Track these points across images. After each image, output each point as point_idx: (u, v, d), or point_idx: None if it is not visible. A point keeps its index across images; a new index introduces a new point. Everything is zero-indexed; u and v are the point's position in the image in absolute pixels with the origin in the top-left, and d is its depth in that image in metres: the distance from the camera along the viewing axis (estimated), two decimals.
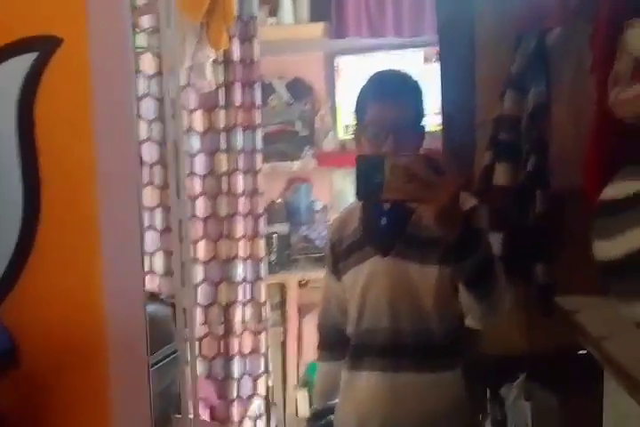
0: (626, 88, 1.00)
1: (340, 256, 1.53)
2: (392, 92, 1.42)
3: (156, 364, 1.43)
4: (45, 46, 0.92)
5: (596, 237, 0.99)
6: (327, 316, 1.62)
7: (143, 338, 1.01)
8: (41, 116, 0.95)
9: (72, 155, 0.93)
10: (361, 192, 1.04)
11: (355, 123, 1.51)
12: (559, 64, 1.72)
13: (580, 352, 1.70)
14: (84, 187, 0.92)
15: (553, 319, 1.69)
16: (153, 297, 1.61)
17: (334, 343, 1.59)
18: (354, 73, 3.25)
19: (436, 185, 1.01)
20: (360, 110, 1.46)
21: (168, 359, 1.48)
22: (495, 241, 1.74)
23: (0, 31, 0.95)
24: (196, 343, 2.99)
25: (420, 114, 1.45)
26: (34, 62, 0.94)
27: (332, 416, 1.57)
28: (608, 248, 0.95)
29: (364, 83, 1.49)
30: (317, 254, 3.21)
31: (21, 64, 0.94)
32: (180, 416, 1.40)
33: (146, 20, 2.81)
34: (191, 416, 1.32)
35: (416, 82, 1.48)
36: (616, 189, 0.97)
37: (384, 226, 1.46)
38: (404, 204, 1.37)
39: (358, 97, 1.48)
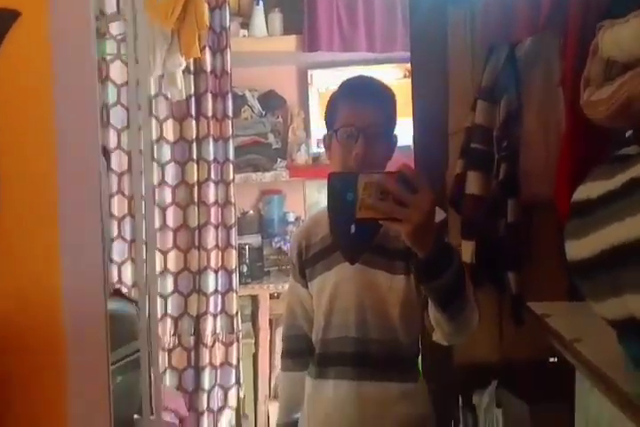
0: (597, 89, 1.03)
1: (307, 263, 1.52)
2: (364, 96, 1.41)
3: (119, 361, 1.39)
4: (3, 20, 0.87)
5: (569, 238, 0.99)
6: (292, 325, 1.60)
7: (103, 333, 0.97)
8: None
9: (31, 138, 0.88)
10: (333, 210, 1.03)
11: (326, 129, 1.49)
12: (529, 75, 1.76)
13: (551, 360, 1.73)
14: (43, 176, 0.87)
15: (525, 328, 1.71)
16: (118, 294, 1.58)
17: (299, 352, 1.57)
18: (327, 87, 3.28)
19: (409, 203, 1.00)
20: (331, 115, 1.45)
21: (131, 358, 1.45)
22: (467, 250, 1.76)
23: None
24: (166, 354, 2.96)
25: (391, 119, 1.45)
26: None
27: None
28: (580, 248, 0.96)
29: (336, 88, 1.49)
30: (290, 266, 3.20)
31: None
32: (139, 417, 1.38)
33: (115, 27, 2.81)
34: (152, 417, 1.28)
35: (388, 87, 1.47)
36: (587, 190, 0.98)
37: (353, 234, 1.44)
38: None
39: (329, 102, 1.48)
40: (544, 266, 1.75)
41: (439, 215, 1.37)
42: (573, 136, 1.42)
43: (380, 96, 1.43)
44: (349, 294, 1.42)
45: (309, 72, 3.33)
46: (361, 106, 1.39)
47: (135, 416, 1.66)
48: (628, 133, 1.12)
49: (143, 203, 1.43)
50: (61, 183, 0.86)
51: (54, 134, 0.87)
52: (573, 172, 1.39)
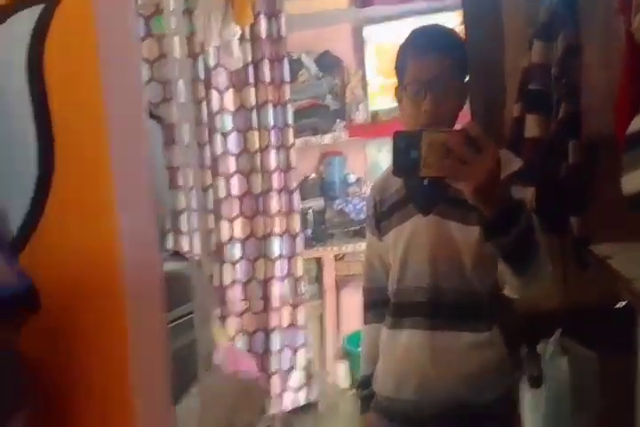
0: None
1: (382, 216, 1.51)
2: (430, 48, 1.37)
3: (180, 319, 1.43)
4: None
5: (625, 171, 0.94)
6: (371, 277, 1.60)
7: (160, 289, 1.00)
8: (49, 67, 0.94)
9: (81, 103, 0.94)
10: (398, 168, 1.03)
11: (397, 81, 1.45)
12: (588, 6, 1.67)
13: (618, 306, 1.65)
14: (95, 135, 0.92)
15: (589, 273, 1.64)
16: (179, 256, 1.61)
17: (379, 304, 1.56)
18: (383, 42, 3.20)
19: (473, 162, 0.98)
20: (399, 68, 1.42)
21: (191, 316, 1.48)
22: (527, 195, 1.69)
23: None
24: (237, 319, 3.02)
25: (461, 70, 1.40)
26: (41, 14, 0.94)
27: None
28: (635, 180, 0.90)
29: (404, 39, 1.44)
30: (353, 228, 3.21)
31: (29, 16, 0.94)
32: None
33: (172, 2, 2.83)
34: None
35: (457, 36, 1.44)
36: None
37: (426, 186, 1.43)
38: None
39: (398, 54, 1.44)
40: (609, 207, 1.66)
41: (516, 163, 1.35)
42: (633, 66, 1.34)
43: (448, 47, 1.38)
44: (423, 246, 1.42)
45: (364, 28, 3.26)
46: (428, 59, 1.36)
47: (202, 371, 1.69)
48: None
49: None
50: (113, 146, 0.90)
51: (102, 100, 0.91)
52: (633, 104, 1.30)
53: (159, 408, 1.00)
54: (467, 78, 1.42)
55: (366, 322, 1.62)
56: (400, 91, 1.42)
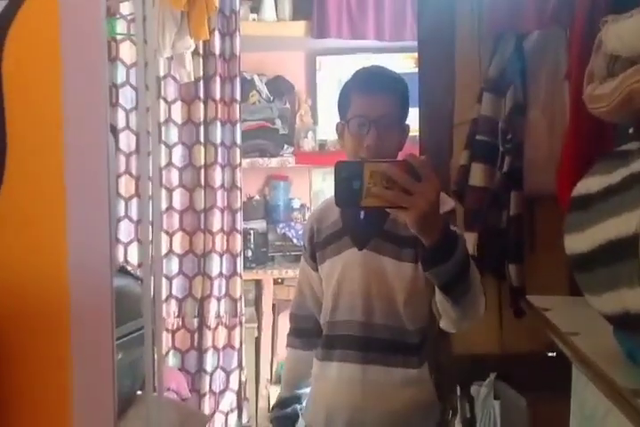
0: (600, 84, 1.03)
1: (317, 246, 1.54)
2: (376, 87, 1.42)
3: (122, 338, 1.41)
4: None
5: (568, 232, 1.00)
6: (300, 304, 1.63)
7: (108, 309, 0.97)
8: (8, 64, 0.89)
9: (38, 114, 0.88)
10: (339, 198, 1.03)
11: (339, 118, 1.49)
12: (536, 68, 1.75)
13: (550, 354, 1.74)
14: (50, 151, 0.88)
15: (524, 321, 1.72)
16: (123, 271, 1.59)
17: (305, 332, 1.60)
18: (335, 74, 3.26)
19: (415, 192, 1.00)
20: (343, 104, 1.46)
21: (135, 335, 1.45)
22: (469, 241, 1.77)
23: None
24: (170, 336, 3.00)
25: (403, 110, 1.45)
26: (5, 9, 0.90)
27: (297, 405, 1.59)
28: (578, 242, 0.96)
29: (349, 77, 1.49)
30: (294, 253, 3.22)
31: None
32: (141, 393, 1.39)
33: (126, 7, 2.81)
34: (155, 394, 1.28)
35: (401, 78, 1.48)
36: (588, 185, 0.98)
37: (362, 220, 1.47)
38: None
39: (342, 91, 1.48)
40: (546, 259, 1.75)
41: (448, 204, 1.39)
42: (577, 130, 1.42)
43: (392, 87, 1.44)
44: (357, 279, 1.44)
45: (318, 59, 3.32)
46: (373, 97, 1.41)
47: (138, 392, 1.68)
48: (631, 129, 1.12)
49: (150, 184, 1.44)
50: (68, 157, 0.86)
51: (61, 111, 0.88)
52: (576, 166, 1.38)
53: None
54: (407, 120, 1.46)
55: (289, 345, 1.65)
56: (342, 125, 1.46)
